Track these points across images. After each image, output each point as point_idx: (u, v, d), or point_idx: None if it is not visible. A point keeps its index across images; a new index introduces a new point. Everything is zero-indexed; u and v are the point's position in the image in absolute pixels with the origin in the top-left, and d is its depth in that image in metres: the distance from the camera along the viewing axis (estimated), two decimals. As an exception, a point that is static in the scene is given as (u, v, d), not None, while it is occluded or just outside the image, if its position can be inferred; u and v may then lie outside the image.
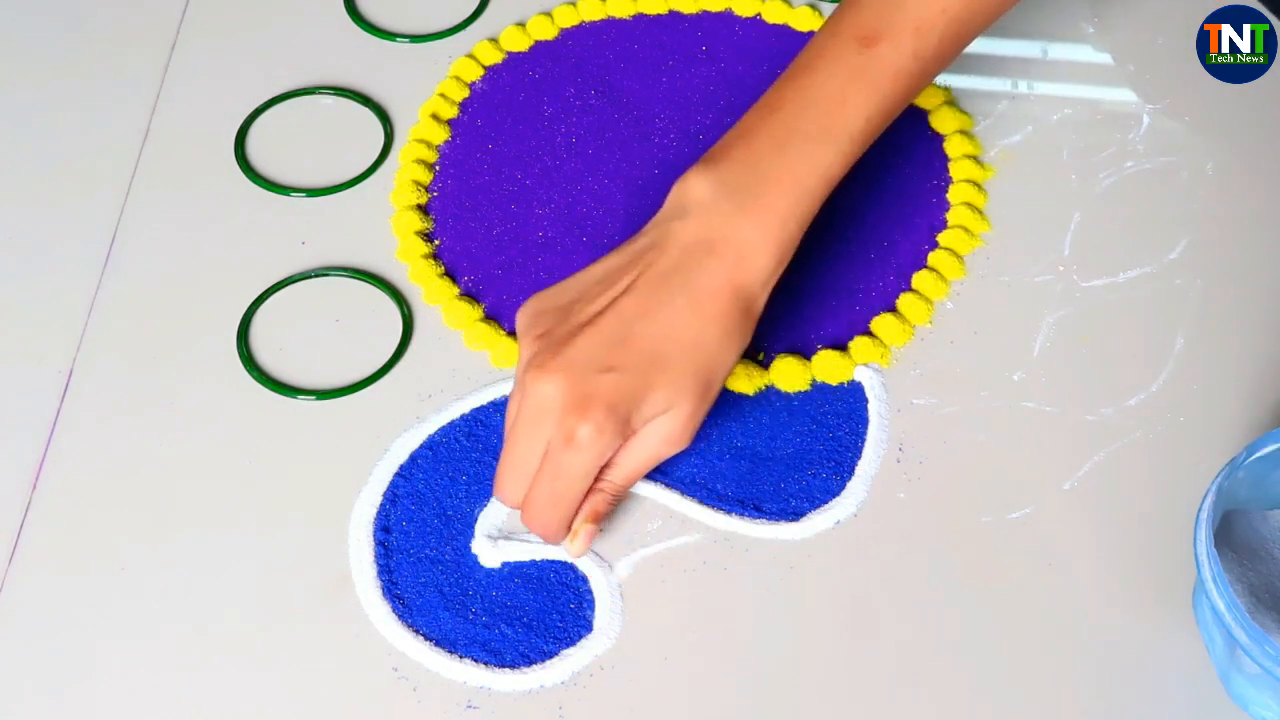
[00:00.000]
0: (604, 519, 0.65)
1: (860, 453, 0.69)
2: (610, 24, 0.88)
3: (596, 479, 0.63)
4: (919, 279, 0.75)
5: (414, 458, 0.69)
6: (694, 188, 0.65)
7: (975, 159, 0.80)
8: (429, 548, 0.67)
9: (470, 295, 0.75)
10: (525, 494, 0.63)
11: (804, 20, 0.86)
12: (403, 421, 0.71)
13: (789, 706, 0.62)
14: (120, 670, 0.63)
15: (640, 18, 0.88)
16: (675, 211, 0.66)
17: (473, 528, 0.67)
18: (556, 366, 0.62)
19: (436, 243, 0.78)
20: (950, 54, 0.70)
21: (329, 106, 0.84)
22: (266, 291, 0.75)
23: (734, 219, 0.64)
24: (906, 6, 0.68)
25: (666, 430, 0.63)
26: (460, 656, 0.63)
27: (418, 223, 0.78)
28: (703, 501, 0.68)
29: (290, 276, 0.76)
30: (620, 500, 0.65)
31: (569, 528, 0.64)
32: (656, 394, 0.62)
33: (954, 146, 0.80)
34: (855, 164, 0.67)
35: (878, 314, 0.74)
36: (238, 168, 0.81)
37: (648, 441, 0.63)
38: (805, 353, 0.72)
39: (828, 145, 0.66)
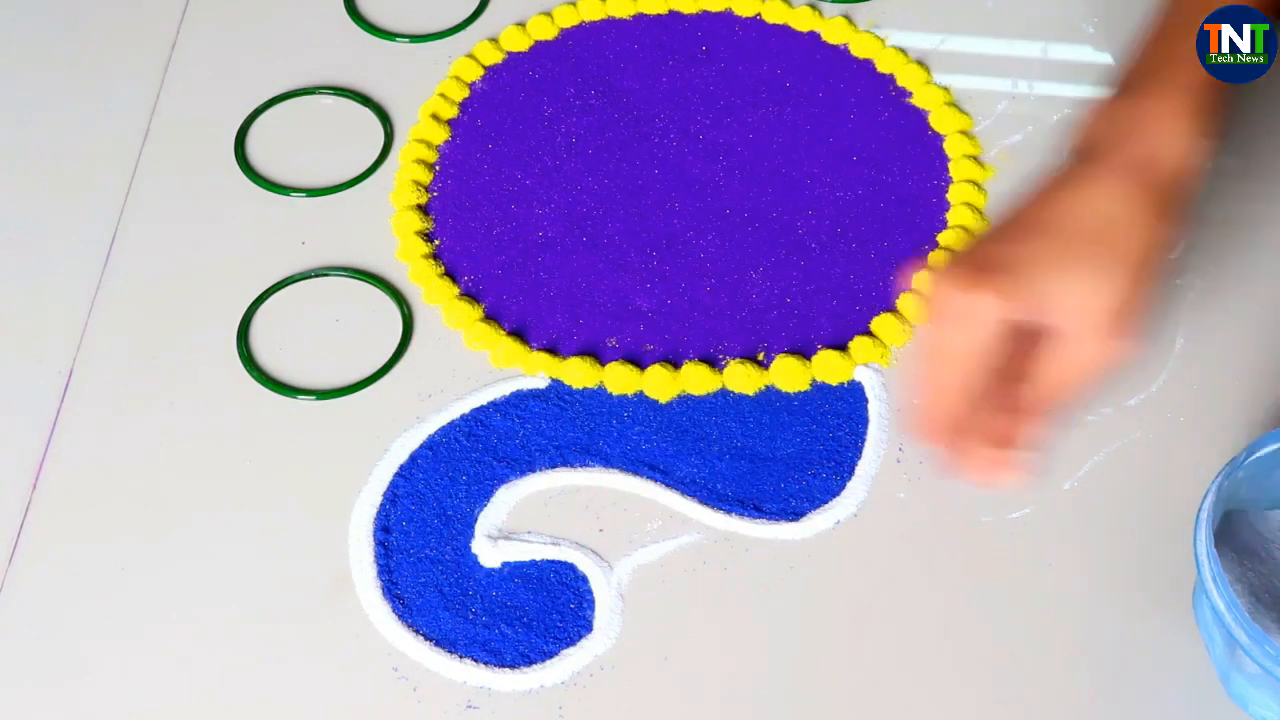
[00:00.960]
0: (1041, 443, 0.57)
1: (860, 453, 0.69)
2: (610, 24, 0.88)
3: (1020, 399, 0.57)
4: (919, 279, 0.75)
5: (414, 458, 0.69)
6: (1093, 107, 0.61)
7: (975, 159, 0.80)
8: (429, 548, 0.67)
9: (470, 295, 0.75)
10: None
11: (804, 20, 0.86)
12: (403, 421, 0.71)
13: (789, 706, 0.62)
14: (120, 670, 0.63)
15: (640, 18, 0.88)
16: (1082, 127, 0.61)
17: (473, 528, 0.67)
18: (953, 270, 0.56)
19: (436, 243, 0.78)
20: None
21: (329, 106, 0.84)
22: (266, 291, 0.75)
23: (1132, 100, 0.60)
24: None
25: (1095, 309, 0.54)
26: (460, 656, 0.63)
27: (418, 223, 0.78)
28: (703, 501, 0.68)
29: (290, 276, 0.76)
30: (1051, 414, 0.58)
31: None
32: (1067, 269, 0.54)
33: (954, 146, 0.80)
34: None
35: (878, 314, 0.74)
36: (238, 168, 0.81)
37: (1077, 334, 0.55)
38: (805, 353, 0.72)
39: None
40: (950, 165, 0.80)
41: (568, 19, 0.87)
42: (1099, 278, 0.54)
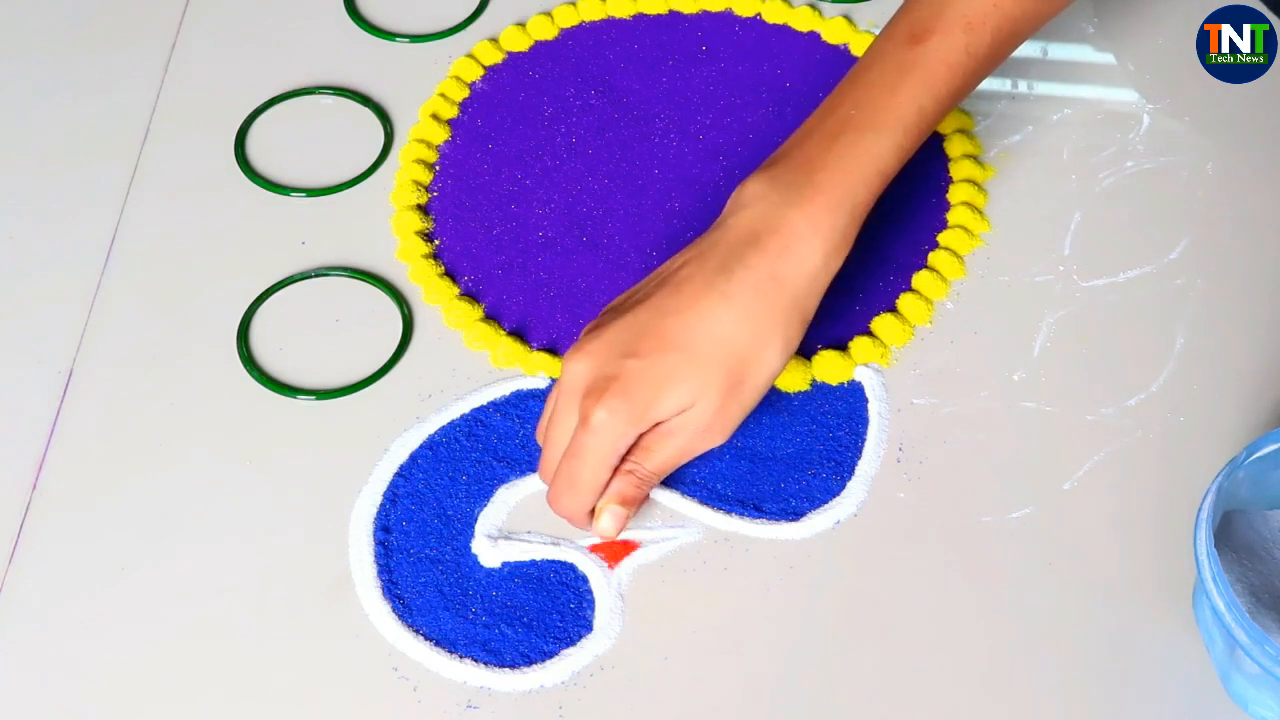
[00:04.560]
0: (635, 504, 0.64)
1: (860, 453, 0.69)
2: (610, 24, 0.88)
3: (626, 459, 0.64)
4: (919, 279, 0.75)
5: (414, 458, 0.69)
6: (749, 188, 0.66)
7: (975, 159, 0.80)
8: (429, 548, 0.67)
9: (470, 295, 0.75)
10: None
11: (804, 20, 0.86)
12: (403, 421, 0.71)
13: (789, 706, 0.62)
14: (120, 669, 0.63)
15: (640, 18, 0.88)
16: (731, 210, 0.66)
17: (473, 528, 0.67)
18: (588, 350, 0.63)
19: (436, 243, 0.78)
20: (1005, 49, 0.71)
21: (329, 106, 0.84)
22: (266, 291, 0.75)
23: (781, 209, 0.65)
24: (957, 3, 0.69)
25: (696, 421, 0.63)
26: (460, 656, 0.63)
27: (418, 223, 0.78)
28: (703, 501, 0.68)
29: (290, 276, 0.76)
30: (650, 487, 0.65)
31: (591, 512, 0.64)
32: (680, 385, 0.62)
33: (954, 146, 0.80)
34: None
35: (878, 314, 0.74)
36: (238, 168, 0.81)
37: (679, 431, 0.63)
38: (805, 353, 0.72)
39: (878, 134, 0.67)
40: (950, 165, 0.80)
41: (568, 19, 0.87)
42: (715, 400, 0.63)
